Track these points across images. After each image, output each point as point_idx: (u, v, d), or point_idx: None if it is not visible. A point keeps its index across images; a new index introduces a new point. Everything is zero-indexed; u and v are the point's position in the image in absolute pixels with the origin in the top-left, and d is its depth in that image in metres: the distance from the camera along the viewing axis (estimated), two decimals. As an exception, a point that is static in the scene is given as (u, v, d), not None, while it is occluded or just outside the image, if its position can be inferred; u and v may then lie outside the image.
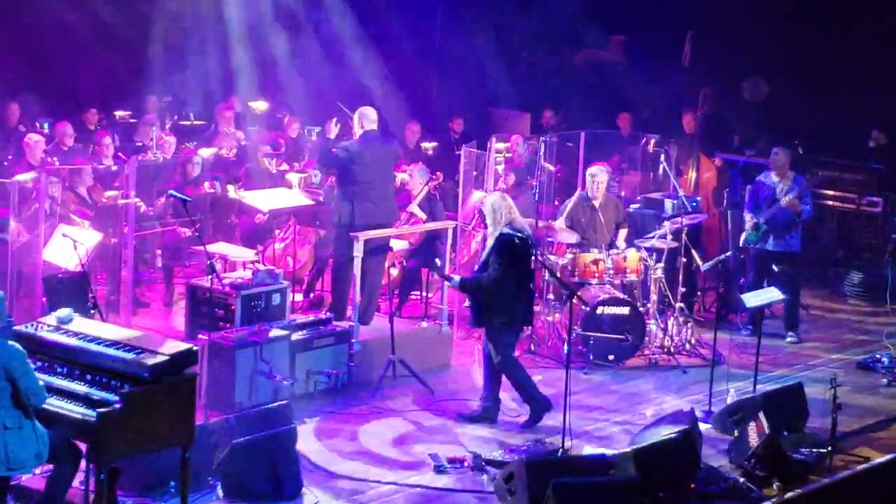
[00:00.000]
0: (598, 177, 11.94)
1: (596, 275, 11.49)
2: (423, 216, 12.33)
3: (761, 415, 8.95)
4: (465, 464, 8.86)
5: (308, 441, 9.07)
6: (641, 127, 15.78)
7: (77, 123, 14.25)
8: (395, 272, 12.12)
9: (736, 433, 9.23)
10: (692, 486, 8.37)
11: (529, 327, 10.54)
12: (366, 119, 11.07)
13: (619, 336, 11.20)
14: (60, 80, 15.60)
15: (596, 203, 11.96)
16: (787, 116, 16.48)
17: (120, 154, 13.34)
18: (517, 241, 9.47)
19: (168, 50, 16.88)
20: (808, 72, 16.41)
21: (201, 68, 16.83)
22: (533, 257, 9.68)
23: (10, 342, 7.08)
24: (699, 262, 12.17)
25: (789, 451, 9.02)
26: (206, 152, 13.89)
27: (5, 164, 12.81)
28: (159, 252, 12.89)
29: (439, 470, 8.79)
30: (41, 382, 7.09)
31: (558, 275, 10.86)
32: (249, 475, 8.05)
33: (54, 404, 7.17)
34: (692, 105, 14.14)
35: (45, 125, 14.59)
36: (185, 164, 12.88)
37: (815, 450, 9.21)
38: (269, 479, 8.08)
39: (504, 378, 9.69)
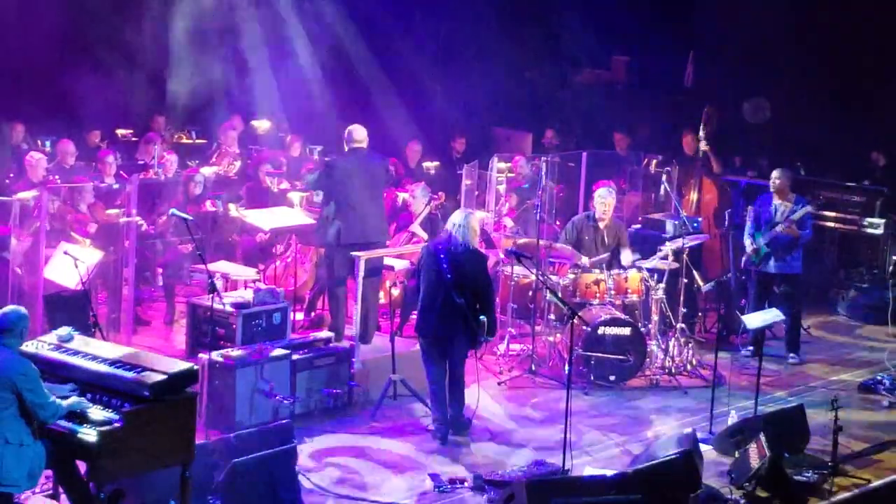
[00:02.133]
0: (607, 199, 11.95)
1: (597, 295, 11.49)
2: (425, 236, 12.34)
3: (762, 436, 8.93)
4: (466, 484, 8.85)
5: (308, 460, 9.06)
6: (643, 147, 15.78)
7: (79, 142, 14.25)
8: (396, 292, 12.11)
9: (737, 454, 9.20)
10: (693, 507, 8.35)
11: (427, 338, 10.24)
12: (353, 138, 11.19)
13: (620, 356, 11.18)
14: (63, 99, 15.62)
15: (601, 224, 11.96)
16: (789, 137, 16.50)
17: (122, 172, 13.35)
18: (428, 253, 9.87)
19: (174, 68, 16.95)
20: (810, 93, 16.43)
21: (204, 87, 16.88)
22: (449, 271, 9.67)
23: (21, 357, 7.12)
24: (700, 283, 12.16)
25: (790, 472, 8.99)
26: (207, 171, 13.91)
27: (7, 181, 12.83)
28: (160, 270, 12.88)
29: (440, 490, 8.78)
30: (54, 398, 7.11)
31: (559, 295, 10.85)
32: (249, 494, 8.02)
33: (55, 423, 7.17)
34: (694, 126, 14.13)
35: (48, 143, 14.60)
36: (188, 182, 12.88)
37: (816, 471, 9.19)
38: (269, 499, 8.06)
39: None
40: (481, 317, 9.75)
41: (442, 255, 9.73)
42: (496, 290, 11.21)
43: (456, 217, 9.92)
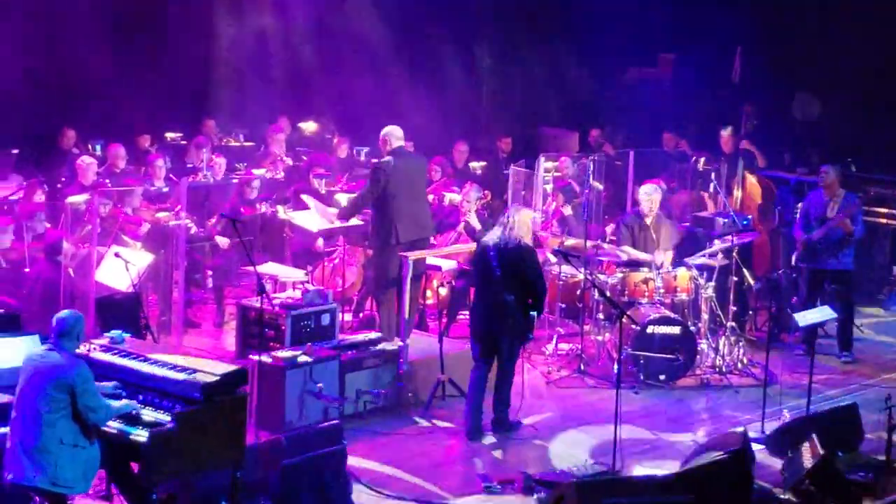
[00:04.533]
0: (652, 195, 11.90)
1: (646, 294, 11.43)
2: (479, 226, 12.34)
3: (815, 435, 8.85)
4: (515, 484, 8.83)
5: (358, 461, 9.07)
6: (691, 145, 15.71)
7: (130, 146, 14.37)
8: (444, 292, 12.11)
9: (790, 454, 9.12)
10: (745, 507, 8.29)
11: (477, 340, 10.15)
12: (393, 137, 11.32)
13: (669, 355, 11.12)
14: (113, 104, 15.79)
15: (648, 221, 11.91)
16: (838, 134, 16.35)
17: (171, 176, 13.44)
18: (479, 249, 9.97)
19: (222, 72, 17.11)
20: (859, 88, 16.28)
21: (252, 90, 17.02)
22: (498, 269, 9.67)
23: (78, 359, 7.21)
24: (750, 281, 12.06)
25: (844, 471, 8.91)
26: (256, 173, 13.98)
27: (58, 186, 12.96)
28: (210, 273, 12.96)
29: (489, 490, 8.76)
30: (106, 401, 7.20)
31: (608, 294, 10.81)
32: (299, 495, 8.04)
33: (107, 424, 7.23)
34: (733, 124, 14.05)
35: (98, 147, 14.73)
36: (244, 186, 12.92)
37: (870, 471, 9.10)
38: (318, 499, 8.07)
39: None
40: (532, 312, 9.75)
41: (492, 253, 9.74)
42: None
43: (508, 213, 9.99)
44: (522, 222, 9.81)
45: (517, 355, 9.95)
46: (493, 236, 9.91)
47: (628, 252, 11.74)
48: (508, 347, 9.82)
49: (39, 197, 12.12)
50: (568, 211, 13.12)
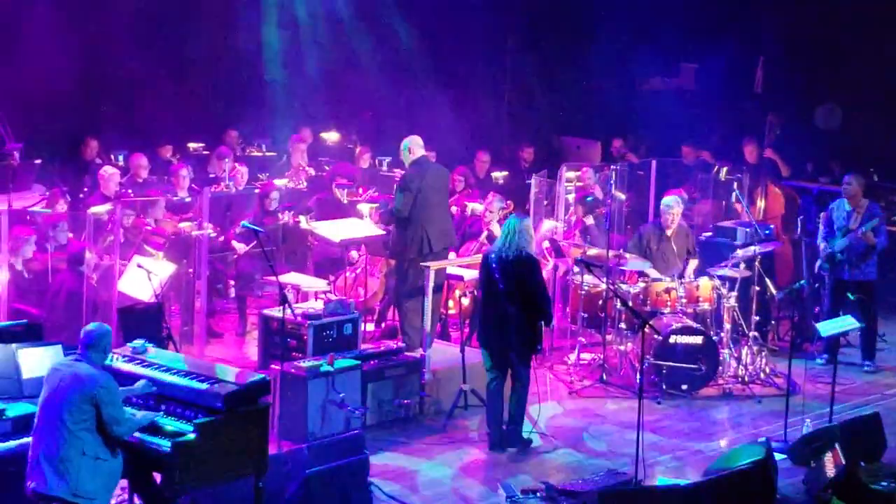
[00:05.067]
0: (673, 208, 11.88)
1: (668, 304, 11.41)
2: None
3: (838, 445, 8.82)
4: (538, 494, 8.82)
5: (380, 471, 9.07)
6: (713, 154, 15.68)
7: (151, 156, 14.42)
8: (466, 302, 12.11)
9: (812, 464, 9.09)
10: (768, 517, 8.27)
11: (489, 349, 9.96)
12: (416, 146, 11.30)
13: (692, 365, 11.10)
14: (136, 114, 15.87)
15: (668, 232, 11.90)
16: (861, 143, 16.29)
17: (193, 185, 13.49)
18: (484, 262, 9.82)
19: (244, 82, 17.17)
20: (882, 98, 16.22)
21: (275, 100, 17.09)
22: (504, 280, 9.55)
23: (103, 371, 7.23)
24: (773, 291, 12.03)
25: (867, 481, 8.86)
26: (278, 183, 14.00)
27: (81, 196, 13.02)
28: (232, 282, 12.99)
29: (512, 500, 8.76)
30: (130, 414, 7.23)
31: (630, 304, 10.79)
32: (322, 505, 8.06)
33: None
34: (756, 134, 14.01)
35: (120, 157, 14.79)
36: (263, 198, 12.94)
37: (893, 480, 9.04)
38: (341, 509, 8.09)
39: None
40: (540, 322, 9.69)
41: (494, 265, 9.63)
42: (554, 298, 11.18)
43: (508, 223, 9.78)
44: (525, 232, 9.65)
45: (528, 364, 9.84)
46: (495, 246, 9.85)
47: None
48: (518, 358, 9.74)
49: (62, 207, 12.17)
50: (590, 221, 13.10)
